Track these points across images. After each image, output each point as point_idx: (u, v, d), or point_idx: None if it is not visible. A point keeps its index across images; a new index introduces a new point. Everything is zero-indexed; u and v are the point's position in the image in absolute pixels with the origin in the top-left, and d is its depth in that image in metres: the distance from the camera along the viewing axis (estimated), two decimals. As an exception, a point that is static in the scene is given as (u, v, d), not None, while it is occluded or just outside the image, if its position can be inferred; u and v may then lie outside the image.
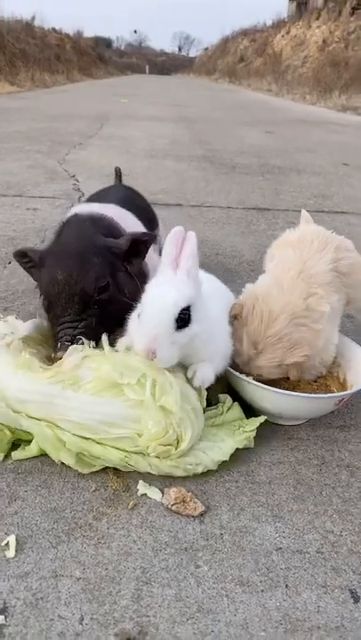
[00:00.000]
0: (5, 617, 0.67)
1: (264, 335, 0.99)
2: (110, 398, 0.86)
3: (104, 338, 0.94)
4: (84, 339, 0.95)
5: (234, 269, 1.86)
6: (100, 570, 0.74)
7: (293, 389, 1.02)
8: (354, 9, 17.18)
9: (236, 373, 0.99)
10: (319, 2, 21.94)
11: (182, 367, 0.92)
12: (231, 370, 1.00)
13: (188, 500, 0.84)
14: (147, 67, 44.56)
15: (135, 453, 0.86)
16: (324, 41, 17.43)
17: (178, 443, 0.86)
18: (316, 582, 0.74)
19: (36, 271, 1.08)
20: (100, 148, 4.23)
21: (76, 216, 1.14)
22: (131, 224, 1.21)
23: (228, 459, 0.92)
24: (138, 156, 3.91)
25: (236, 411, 1.01)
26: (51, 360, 0.96)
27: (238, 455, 0.95)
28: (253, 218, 2.52)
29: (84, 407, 0.85)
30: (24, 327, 1.06)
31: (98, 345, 0.94)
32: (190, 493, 0.85)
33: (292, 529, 0.82)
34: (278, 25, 22.10)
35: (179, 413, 0.85)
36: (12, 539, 0.77)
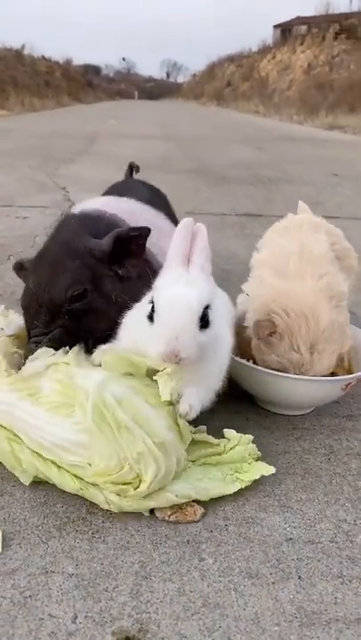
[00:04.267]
0: (-10, 617, 0.60)
1: (319, 332, 0.89)
2: (63, 418, 0.75)
3: (75, 347, 0.85)
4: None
5: (230, 269, 1.83)
6: (95, 565, 0.67)
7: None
8: (337, 34, 17.66)
9: (243, 361, 0.93)
10: (303, 28, 22.53)
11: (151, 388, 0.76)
12: (236, 357, 0.93)
13: (185, 505, 0.76)
14: (135, 92, 45.27)
15: (92, 485, 0.74)
16: (308, 65, 17.85)
17: (138, 482, 0.72)
18: (331, 573, 0.67)
19: None
20: (90, 163, 4.22)
21: (68, 215, 1.03)
22: (143, 219, 1.05)
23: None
24: (128, 169, 3.90)
25: (240, 452, 0.82)
26: None
27: (241, 445, 0.89)
28: (247, 223, 2.50)
29: (39, 424, 0.75)
30: (21, 323, 0.96)
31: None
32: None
33: (303, 519, 0.76)
34: (264, 50, 22.65)
35: (137, 446, 0.71)
36: (-3, 534, 0.71)
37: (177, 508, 0.75)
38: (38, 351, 0.83)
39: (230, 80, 24.65)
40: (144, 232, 0.92)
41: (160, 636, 0.59)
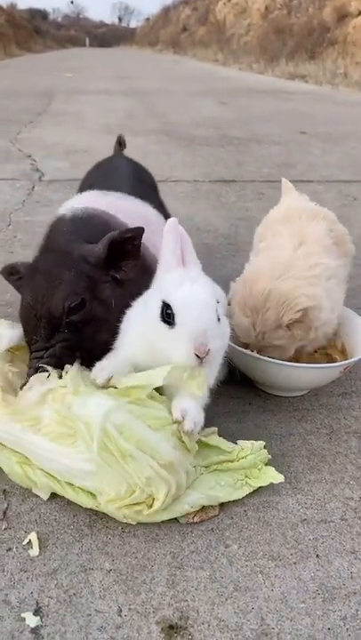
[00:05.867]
0: (40, 617, 0.64)
1: (251, 295, 0.94)
2: (68, 448, 0.75)
3: (73, 367, 0.82)
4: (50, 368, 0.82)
5: (211, 244, 1.84)
6: (130, 559, 0.72)
7: (297, 361, 1.01)
8: (294, -26, 17.05)
9: (247, 351, 0.97)
10: (259, -33, 21.63)
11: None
12: (237, 347, 0.97)
13: None
14: (87, 39, 43.10)
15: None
16: (266, 8, 17.27)
17: (152, 501, 0.74)
18: (344, 549, 0.74)
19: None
20: (52, 126, 4.08)
21: (59, 218, 1.00)
22: (133, 216, 1.01)
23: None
24: (94, 131, 3.79)
25: (252, 460, 0.83)
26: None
27: (248, 430, 0.95)
28: (222, 190, 2.49)
29: (46, 454, 0.76)
30: (12, 336, 0.92)
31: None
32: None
33: (313, 499, 0.83)
34: (219, -8, 21.73)
35: (144, 472, 0.72)
36: (33, 536, 0.74)
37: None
38: (31, 379, 0.82)
39: (186, 25, 23.69)
40: (138, 232, 0.88)
41: (200, 621, 0.65)
